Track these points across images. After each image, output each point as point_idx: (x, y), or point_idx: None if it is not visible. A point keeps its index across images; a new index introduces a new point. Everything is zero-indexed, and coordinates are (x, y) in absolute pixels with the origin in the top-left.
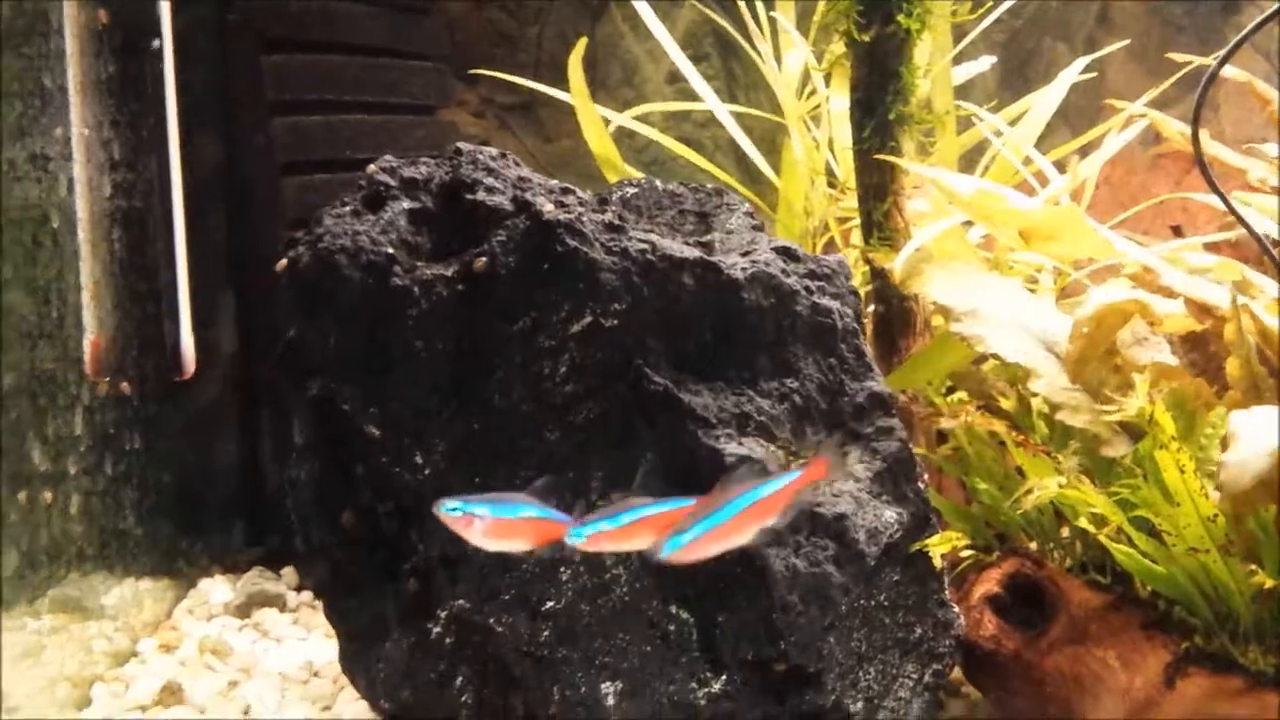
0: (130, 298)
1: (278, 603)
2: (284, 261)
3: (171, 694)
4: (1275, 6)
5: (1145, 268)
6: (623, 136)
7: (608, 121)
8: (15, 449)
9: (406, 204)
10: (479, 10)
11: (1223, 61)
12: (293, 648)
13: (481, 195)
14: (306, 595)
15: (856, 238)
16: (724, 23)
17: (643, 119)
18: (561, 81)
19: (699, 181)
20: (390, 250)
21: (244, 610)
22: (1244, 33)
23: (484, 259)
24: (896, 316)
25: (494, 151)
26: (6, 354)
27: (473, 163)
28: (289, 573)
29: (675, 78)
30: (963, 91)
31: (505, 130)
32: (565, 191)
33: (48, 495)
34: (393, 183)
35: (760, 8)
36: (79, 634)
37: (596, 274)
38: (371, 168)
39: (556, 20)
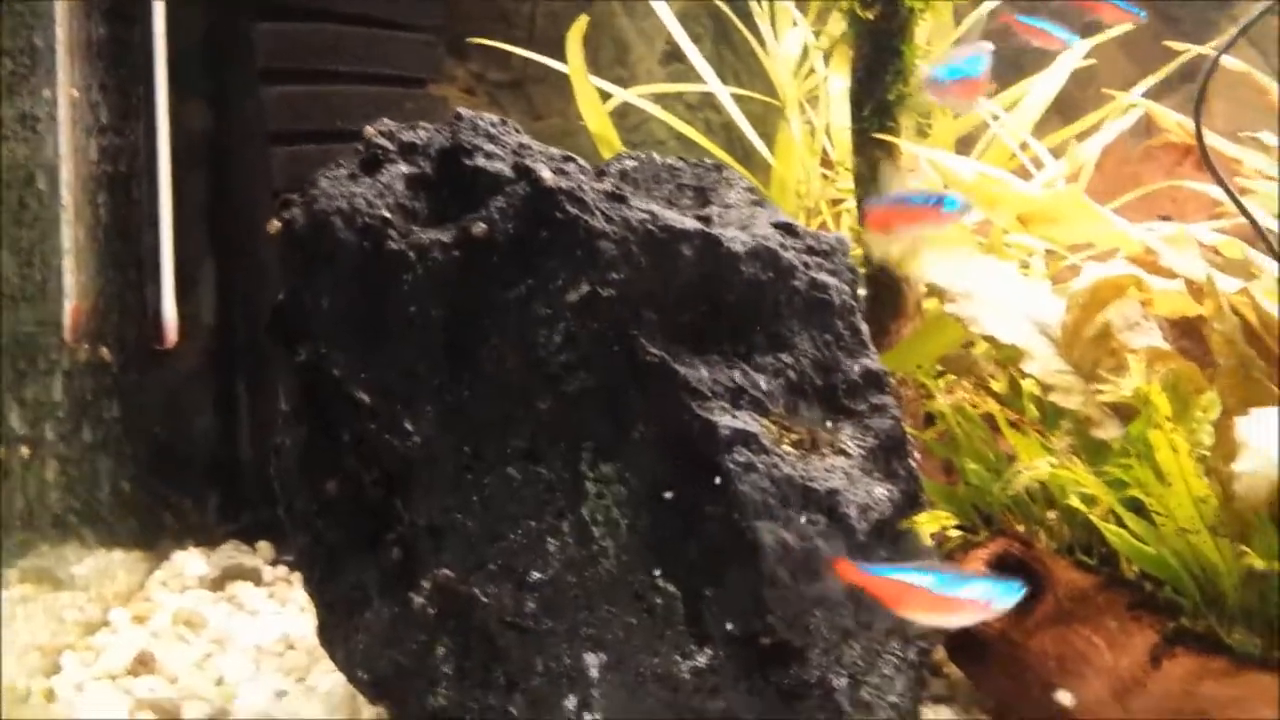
0: (114, 264)
1: (253, 576)
2: (276, 223)
3: (143, 664)
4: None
5: (1146, 248)
6: (614, 118)
7: (606, 97)
8: None
9: (404, 168)
10: None
11: (1224, 49)
12: (268, 621)
13: (481, 161)
14: (282, 570)
15: (848, 220)
16: (720, 2)
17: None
18: (555, 58)
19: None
20: (386, 214)
21: (218, 583)
22: (1245, 23)
23: (482, 225)
24: (887, 298)
25: (494, 118)
26: None
27: (473, 128)
28: (264, 547)
29: (669, 59)
30: None
31: (495, 106)
32: (566, 159)
33: (25, 451)
34: (391, 146)
35: None
36: (50, 604)
37: (596, 243)
38: (369, 130)
39: None
